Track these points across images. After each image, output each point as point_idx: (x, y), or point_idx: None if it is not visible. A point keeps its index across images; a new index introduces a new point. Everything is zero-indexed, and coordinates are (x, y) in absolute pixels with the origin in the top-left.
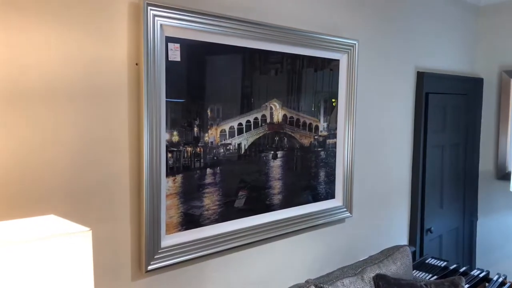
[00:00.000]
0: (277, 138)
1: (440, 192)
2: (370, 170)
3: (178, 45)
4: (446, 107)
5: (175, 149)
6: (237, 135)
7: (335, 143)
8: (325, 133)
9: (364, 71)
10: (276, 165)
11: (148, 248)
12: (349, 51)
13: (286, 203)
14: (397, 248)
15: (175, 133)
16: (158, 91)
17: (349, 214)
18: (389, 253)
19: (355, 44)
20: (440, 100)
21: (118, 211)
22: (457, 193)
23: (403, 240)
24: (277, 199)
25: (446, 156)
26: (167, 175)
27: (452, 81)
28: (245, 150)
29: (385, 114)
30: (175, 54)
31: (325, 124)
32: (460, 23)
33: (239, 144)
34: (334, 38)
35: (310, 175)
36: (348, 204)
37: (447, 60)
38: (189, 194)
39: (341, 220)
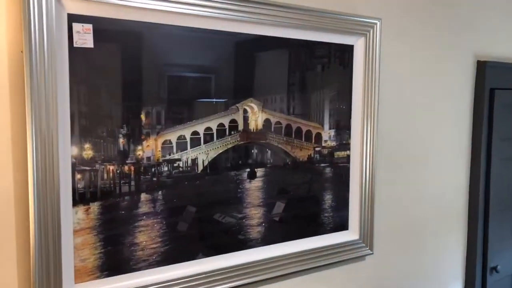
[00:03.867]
0: (256, 151)
1: (511, 218)
2: (403, 191)
3: (89, 27)
4: None
5: (87, 168)
6: (191, 147)
7: (348, 156)
8: (331, 144)
9: (393, 60)
10: (254, 187)
11: None
12: (367, 33)
13: (272, 238)
14: None
15: (87, 146)
16: (54, 88)
17: (368, 250)
18: None
19: (376, 24)
20: (510, 98)
21: None
22: None
23: (457, 283)
24: (256, 232)
25: None
26: (76, 204)
27: None
28: (205, 167)
29: (428, 117)
30: (85, 38)
31: (332, 132)
32: None
33: (194, 160)
34: (343, 16)
35: (309, 199)
36: (367, 237)
37: None
38: (112, 228)
39: (358, 259)
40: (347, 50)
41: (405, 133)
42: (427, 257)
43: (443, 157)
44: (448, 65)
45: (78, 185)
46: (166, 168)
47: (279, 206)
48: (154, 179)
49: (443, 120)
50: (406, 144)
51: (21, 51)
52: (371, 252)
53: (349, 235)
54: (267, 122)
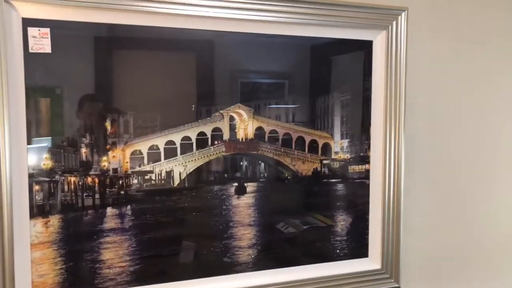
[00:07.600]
0: (245, 163)
1: None
2: (442, 213)
3: (47, 31)
4: None
5: (47, 179)
6: (165, 158)
7: (367, 171)
8: (344, 156)
9: (424, 57)
10: (243, 204)
11: None
12: (389, 26)
13: (267, 262)
14: None
15: (46, 156)
16: (5, 95)
17: (394, 283)
18: None
19: (400, 14)
20: None
21: None
22: None
23: None
24: (246, 255)
25: None
26: (33, 216)
27: None
28: (182, 181)
29: (475, 122)
30: (42, 43)
31: (345, 142)
32: None
33: (170, 173)
34: (357, 6)
35: (316, 220)
36: (391, 267)
37: None
38: (75, 243)
39: None
40: (365, 47)
41: (444, 142)
42: None
43: (500, 170)
44: (494, 62)
45: (37, 197)
46: (136, 181)
47: (278, 226)
48: (122, 192)
49: (496, 125)
50: (446, 156)
51: None
52: (397, 285)
53: (369, 263)
54: (259, 130)
